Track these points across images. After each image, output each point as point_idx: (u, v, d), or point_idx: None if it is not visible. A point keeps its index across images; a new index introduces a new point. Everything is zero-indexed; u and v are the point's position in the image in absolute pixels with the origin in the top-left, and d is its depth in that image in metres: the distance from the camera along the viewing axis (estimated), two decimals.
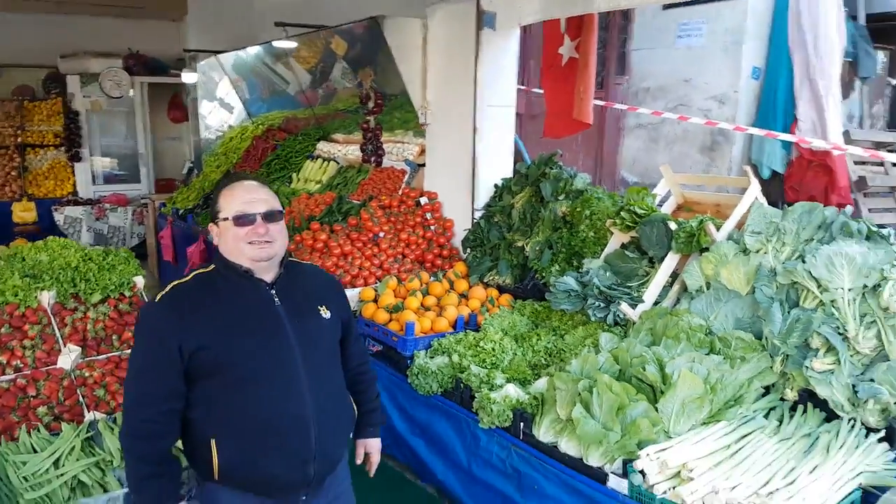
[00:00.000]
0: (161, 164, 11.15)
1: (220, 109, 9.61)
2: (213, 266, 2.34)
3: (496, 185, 5.25)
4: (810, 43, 6.60)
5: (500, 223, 5.07)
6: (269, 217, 2.26)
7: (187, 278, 2.34)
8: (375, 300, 4.59)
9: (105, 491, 2.55)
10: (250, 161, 7.90)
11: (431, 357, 4.15)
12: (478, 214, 5.21)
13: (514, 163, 5.37)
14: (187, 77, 9.08)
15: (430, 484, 4.19)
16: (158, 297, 2.28)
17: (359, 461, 2.75)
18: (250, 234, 2.23)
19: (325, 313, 2.39)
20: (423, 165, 5.70)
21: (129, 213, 9.39)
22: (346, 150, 7.00)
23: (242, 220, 2.23)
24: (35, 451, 2.67)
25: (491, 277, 4.91)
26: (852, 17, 7.44)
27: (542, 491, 3.42)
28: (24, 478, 2.56)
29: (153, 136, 10.97)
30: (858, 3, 7.66)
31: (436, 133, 5.49)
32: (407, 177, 5.79)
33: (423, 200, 5.44)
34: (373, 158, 6.02)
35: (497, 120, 5.15)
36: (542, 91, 5.54)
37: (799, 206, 3.87)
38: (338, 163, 6.88)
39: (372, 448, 2.75)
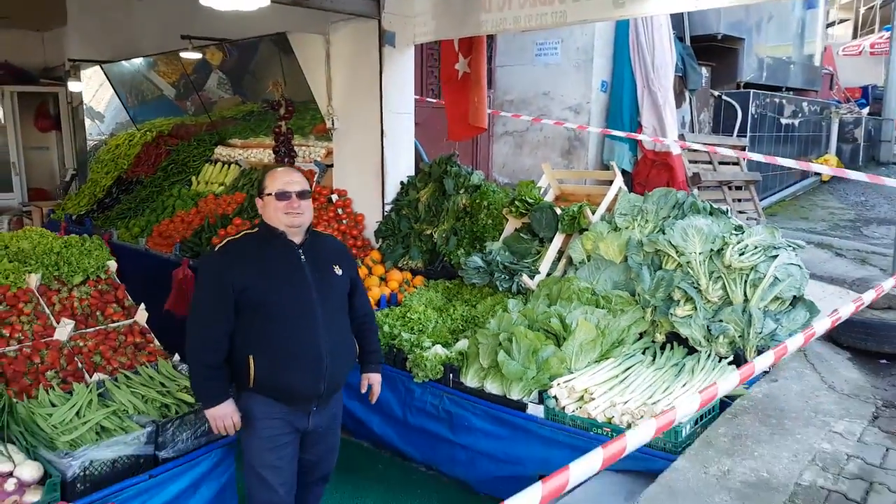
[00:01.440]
0: (30, 173, 10.75)
1: (102, 117, 9.55)
2: (257, 228, 3.03)
3: (402, 182, 5.89)
4: (648, 60, 7.84)
5: (408, 215, 5.71)
6: (301, 195, 2.95)
7: (238, 236, 3.06)
8: None
9: (126, 433, 2.94)
10: (143, 166, 7.99)
11: None
12: (388, 208, 5.83)
13: (416, 163, 6.04)
14: (73, 86, 8.95)
15: (365, 440, 4.72)
16: (217, 248, 3.01)
17: (363, 390, 3.41)
18: (287, 206, 2.91)
19: (338, 271, 3.09)
20: (331, 166, 6.23)
21: (4, 222, 9.08)
22: (248, 153, 7.35)
23: (282, 195, 2.91)
24: (54, 406, 3.00)
25: (404, 262, 5.53)
26: (679, 38, 8.83)
27: (471, 426, 4.10)
28: (54, 426, 2.90)
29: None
30: (685, 26, 9.09)
31: (342, 137, 6.04)
32: (317, 176, 6.28)
33: (335, 198, 5.97)
34: (286, 160, 6.46)
35: (400, 125, 5.80)
36: (432, 101, 6.25)
37: (657, 191, 4.85)
38: (240, 165, 7.22)
39: (374, 381, 3.39)
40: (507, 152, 9.09)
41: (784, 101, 12.00)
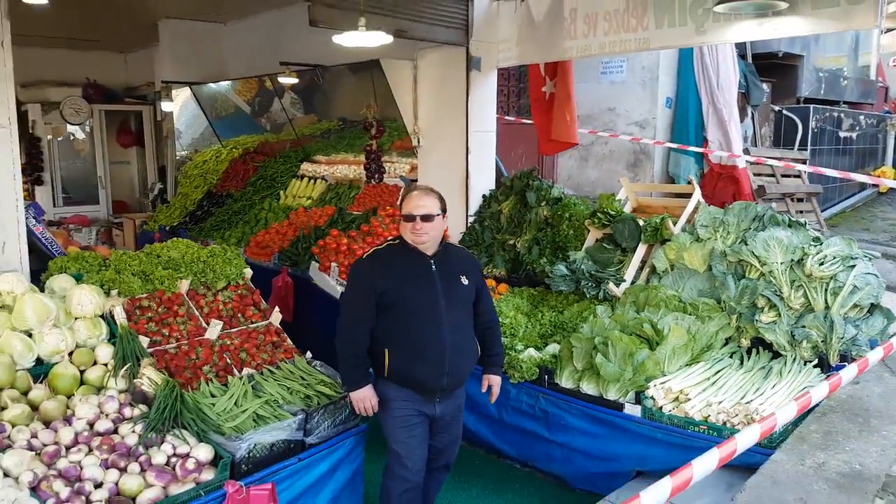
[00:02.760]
0: (112, 187, 11.41)
1: (180, 134, 10.17)
2: (399, 240, 3.46)
3: (484, 196, 6.26)
4: (713, 78, 8.10)
5: (490, 226, 6.07)
6: (425, 218, 3.34)
7: (382, 246, 3.55)
8: None
9: (278, 420, 3.34)
10: (232, 180, 8.53)
11: None
12: (471, 220, 6.19)
13: (497, 177, 6.40)
14: (165, 106, 9.57)
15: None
16: (365, 256, 3.52)
17: (483, 390, 3.79)
18: (412, 227, 3.36)
19: (465, 281, 3.50)
20: (416, 181, 6.63)
21: (93, 232, 9.69)
22: (333, 169, 7.82)
23: (408, 218, 3.37)
24: (214, 396, 3.42)
25: (488, 270, 5.88)
26: (741, 55, 9.07)
27: (567, 424, 4.41)
28: (218, 413, 3.31)
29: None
30: (747, 45, 9.33)
31: (427, 153, 6.43)
32: (402, 190, 6.70)
33: None
34: (376, 175, 6.89)
35: (482, 142, 6.17)
36: (510, 119, 6.62)
37: (737, 204, 5.12)
38: (326, 180, 7.69)
39: (494, 382, 3.76)
40: (572, 165, 9.40)
41: (842, 114, 12.10)
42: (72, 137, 11.27)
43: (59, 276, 3.98)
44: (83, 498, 2.89)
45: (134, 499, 2.98)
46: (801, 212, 9.27)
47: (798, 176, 9.48)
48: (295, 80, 7.43)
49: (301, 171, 8.23)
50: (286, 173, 8.22)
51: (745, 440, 2.63)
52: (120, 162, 11.72)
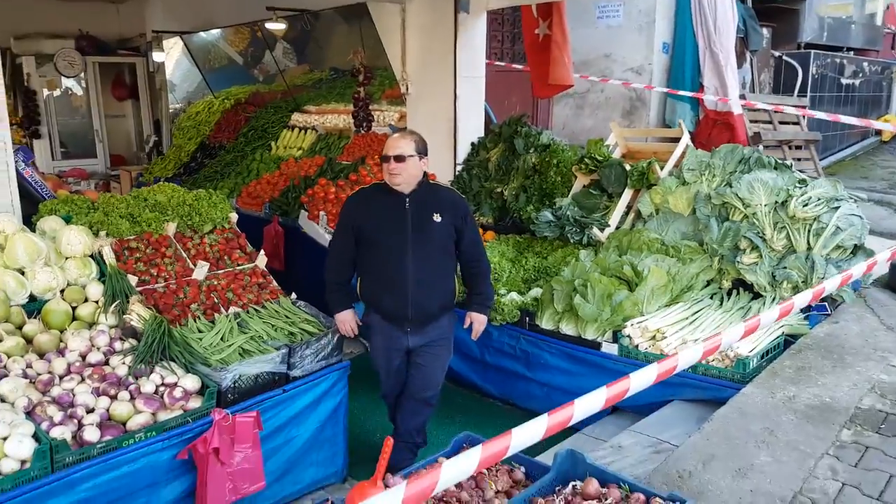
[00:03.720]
0: (108, 140, 11.40)
1: (174, 86, 10.11)
2: (384, 181, 3.67)
3: (473, 143, 6.27)
4: (710, 21, 7.99)
5: (478, 174, 6.10)
6: (398, 158, 3.52)
7: (368, 186, 3.89)
8: None
9: (263, 355, 3.46)
10: (224, 132, 8.54)
11: None
12: (459, 168, 6.21)
13: (486, 124, 6.40)
14: (156, 56, 9.50)
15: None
16: (351, 195, 3.86)
17: (465, 326, 3.92)
18: (387, 168, 3.57)
19: (437, 218, 3.63)
20: (405, 129, 6.60)
21: (91, 185, 9.73)
22: (324, 119, 7.81)
23: (384, 159, 3.59)
24: (201, 332, 3.54)
25: (476, 219, 5.92)
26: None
27: (547, 363, 4.52)
28: (205, 347, 3.43)
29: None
30: None
31: (416, 101, 6.42)
32: None
33: None
34: (364, 124, 6.88)
35: (472, 88, 6.15)
36: (501, 64, 6.57)
37: (724, 147, 5.14)
38: (316, 130, 7.69)
39: (476, 319, 3.89)
40: (567, 114, 9.36)
41: (845, 61, 11.93)
42: (70, 92, 11.21)
43: (49, 217, 4.06)
44: (75, 421, 3.03)
45: (124, 423, 3.12)
46: (799, 159, 9.23)
47: (797, 123, 9.41)
48: (283, 26, 7.35)
49: (292, 121, 8.23)
50: (277, 124, 8.23)
51: (686, 358, 2.68)
52: (116, 115, 11.64)
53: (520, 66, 8.03)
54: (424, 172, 3.69)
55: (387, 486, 2.56)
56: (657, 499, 2.41)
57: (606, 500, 2.43)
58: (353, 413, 4.08)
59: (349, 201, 3.83)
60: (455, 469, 1.84)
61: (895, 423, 3.20)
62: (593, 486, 2.49)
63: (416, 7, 6.19)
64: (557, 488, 2.57)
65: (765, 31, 9.63)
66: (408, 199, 3.61)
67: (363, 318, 3.81)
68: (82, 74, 10.42)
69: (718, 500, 2.67)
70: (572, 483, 2.55)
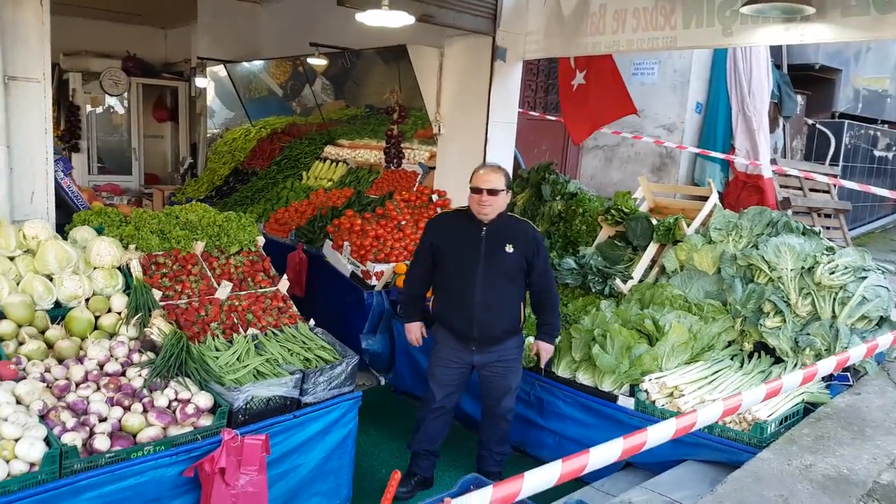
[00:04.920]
0: (144, 159, 11.67)
1: (213, 112, 10.38)
2: (467, 207, 3.92)
3: None
4: (745, 85, 8.05)
5: None
6: (491, 192, 3.76)
7: (450, 210, 4.46)
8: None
9: (277, 378, 3.46)
10: (258, 159, 8.71)
11: None
12: None
13: (514, 170, 6.45)
14: (199, 82, 9.78)
15: (456, 419, 5.11)
16: (433, 217, 4.37)
17: (532, 353, 4.22)
18: (478, 199, 3.79)
19: (510, 249, 3.84)
20: (434, 169, 6.71)
21: (124, 200, 9.94)
22: (355, 153, 7.96)
23: (475, 190, 3.80)
24: (218, 350, 3.56)
25: None
26: (777, 65, 8.99)
27: (561, 412, 4.46)
28: (220, 366, 3.44)
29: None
30: (783, 54, 9.24)
31: (447, 142, 6.51)
32: (420, 177, 6.79)
33: (435, 197, 6.44)
34: (394, 160, 6.99)
35: (503, 133, 6.22)
36: (535, 114, 6.67)
37: (752, 208, 5.13)
38: (347, 164, 7.83)
39: (542, 348, 4.12)
40: (596, 165, 9.41)
41: (879, 133, 11.90)
42: (111, 110, 11.53)
43: (81, 227, 4.14)
44: (87, 429, 3.04)
45: (135, 435, 3.13)
46: (828, 228, 9.16)
47: (827, 192, 9.37)
48: (324, 63, 7.54)
49: (324, 153, 8.39)
50: (310, 155, 8.39)
51: (705, 416, 2.65)
52: (154, 136, 11.95)
53: (552, 117, 8.13)
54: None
55: None
56: None
57: None
58: (359, 445, 4.04)
59: (431, 222, 4.19)
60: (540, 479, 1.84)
61: None
62: None
63: (454, 52, 6.32)
64: None
65: (799, 98, 9.67)
66: (485, 228, 3.84)
67: (433, 331, 4.11)
68: (126, 94, 10.73)
69: None
70: None
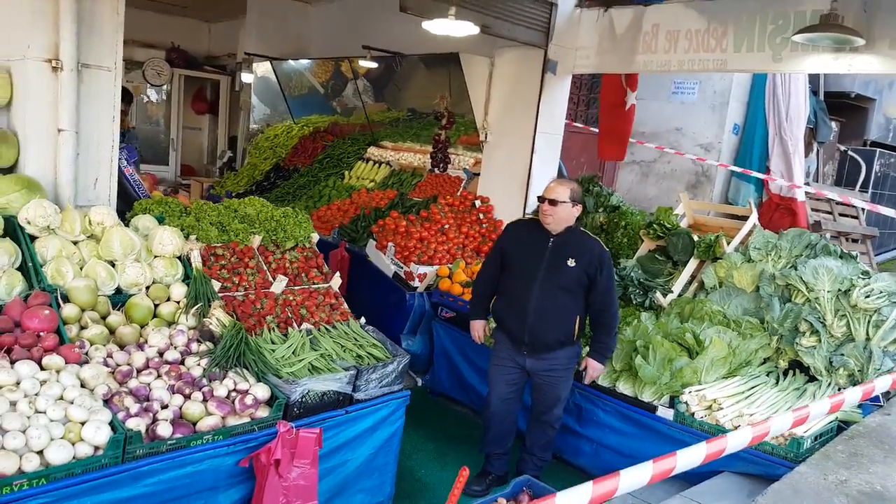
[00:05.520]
0: (182, 150, 11.87)
1: (253, 108, 10.57)
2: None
3: None
4: (783, 110, 8.13)
5: None
6: (551, 202, 3.94)
7: (525, 218, 4.71)
8: (450, 277, 5.64)
9: (331, 373, 3.58)
10: (301, 156, 8.89)
11: None
12: (528, 217, 6.36)
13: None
14: (245, 77, 9.97)
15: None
16: (512, 221, 4.47)
17: (580, 368, 4.30)
18: (542, 208, 3.99)
19: (571, 263, 3.97)
20: (478, 175, 6.83)
21: (160, 191, 10.12)
22: (399, 156, 8.10)
23: (540, 199, 4.03)
24: (274, 343, 3.69)
25: None
26: (814, 92, 9.06)
27: (599, 420, 4.56)
28: (277, 359, 3.56)
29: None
30: (819, 80, 9.31)
31: (493, 149, 6.63)
32: (464, 182, 6.91)
33: (478, 203, 6.56)
34: (441, 165, 7.13)
35: (549, 144, 6.34)
36: (579, 126, 6.78)
37: (792, 230, 5.20)
38: (390, 165, 7.98)
39: (590, 365, 4.23)
40: (632, 179, 9.51)
41: None
42: (145, 100, 11.72)
43: (143, 215, 4.24)
44: (150, 415, 3.10)
45: (195, 423, 3.20)
46: (855, 253, 9.18)
47: (856, 217, 9.39)
48: (374, 65, 7.68)
49: (367, 154, 8.53)
50: (353, 155, 8.54)
51: (734, 442, 2.73)
52: (192, 128, 12.11)
53: (596, 129, 8.24)
54: (578, 218, 4.09)
55: None
56: None
57: None
58: (404, 445, 4.16)
59: (507, 226, 4.43)
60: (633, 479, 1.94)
61: None
62: None
63: (504, 62, 6.45)
64: None
65: (834, 124, 9.72)
66: (552, 240, 4.01)
67: (493, 331, 4.32)
68: (167, 85, 10.92)
69: None
70: None
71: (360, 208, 6.82)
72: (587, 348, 4.43)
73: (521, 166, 6.28)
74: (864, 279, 4.66)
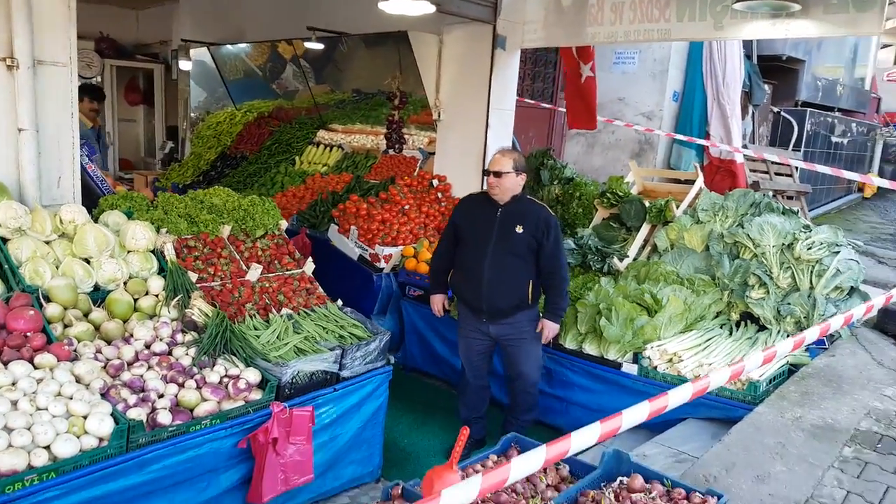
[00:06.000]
0: (118, 144, 11.56)
1: (196, 95, 10.38)
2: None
3: None
4: (720, 75, 8.50)
5: None
6: (496, 174, 4.10)
7: (478, 192, 4.61)
8: (415, 256, 5.78)
9: (316, 354, 3.70)
10: (248, 143, 8.81)
11: None
12: None
13: None
14: (183, 65, 9.77)
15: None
16: (463, 197, 4.59)
17: (537, 330, 4.40)
18: (488, 181, 4.17)
19: (519, 230, 4.15)
20: (433, 154, 6.96)
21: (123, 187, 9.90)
22: (351, 138, 8.13)
23: (485, 173, 4.38)
24: (257, 329, 3.78)
25: None
26: (748, 56, 9.46)
27: (568, 380, 4.81)
28: (262, 344, 3.66)
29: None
30: (753, 45, 9.72)
31: (446, 128, 6.76)
32: (420, 162, 7.03)
33: (435, 182, 6.70)
34: (396, 145, 7.21)
35: (502, 120, 6.50)
36: (530, 102, 6.97)
37: (737, 191, 5.53)
38: (342, 149, 8.00)
39: (546, 326, 4.37)
40: (578, 151, 9.78)
41: (835, 120, 12.54)
42: None
43: (112, 211, 4.22)
44: (149, 405, 3.19)
45: (191, 410, 3.30)
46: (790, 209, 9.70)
47: (790, 175, 9.91)
48: (317, 46, 7.64)
49: (317, 138, 8.54)
50: (302, 139, 8.53)
51: (717, 379, 2.95)
52: (127, 120, 11.79)
53: (547, 105, 8.46)
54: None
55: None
56: (696, 493, 2.70)
57: (651, 493, 2.72)
58: (388, 420, 4.32)
59: (459, 203, 4.62)
60: (524, 464, 2.11)
61: (889, 443, 3.55)
62: (639, 481, 2.78)
63: (453, 39, 6.55)
64: (604, 484, 2.85)
65: (767, 87, 10.18)
66: (500, 209, 4.19)
67: (457, 304, 4.53)
68: (98, 77, 10.59)
69: (742, 502, 2.97)
70: (619, 478, 2.83)
71: (317, 193, 6.87)
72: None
73: (477, 143, 6.43)
74: (805, 233, 5.01)
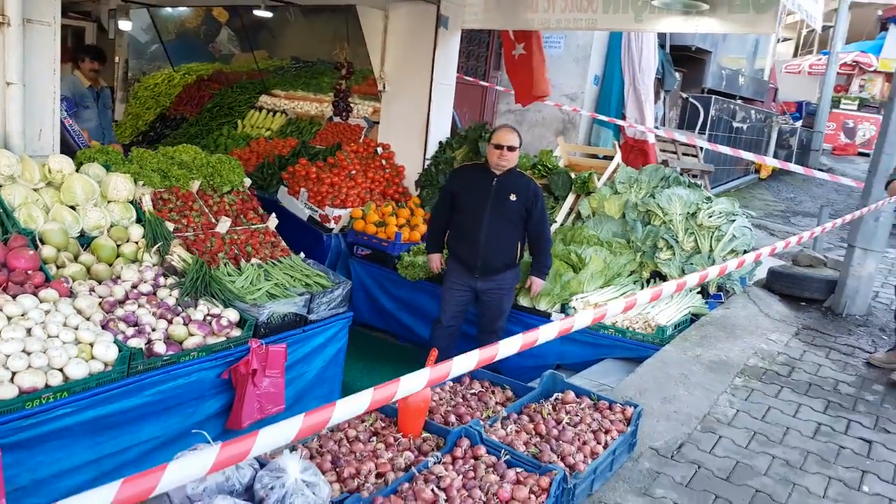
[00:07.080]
0: None
1: (138, 55, 10.36)
2: (483, 160, 4.86)
3: (440, 142, 7.13)
4: (636, 62, 9.27)
5: (444, 170, 6.96)
6: (510, 149, 4.62)
7: (470, 163, 5.36)
8: (363, 218, 6.26)
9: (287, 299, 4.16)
10: (187, 105, 8.94)
11: (414, 255, 5.96)
12: (427, 163, 7.06)
13: (452, 128, 7.28)
14: (123, 24, 9.70)
15: (409, 342, 6.00)
16: (456, 168, 4.94)
17: (526, 286, 5.08)
18: (498, 154, 4.63)
19: (513, 198, 4.67)
20: (377, 123, 7.39)
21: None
22: (294, 104, 8.43)
23: (497, 146, 4.63)
24: (231, 276, 4.18)
25: None
26: (661, 45, 10.30)
27: (507, 329, 5.42)
28: (238, 288, 4.07)
29: None
30: (666, 36, 10.58)
31: (391, 99, 7.20)
32: (364, 130, 7.45)
33: (380, 150, 7.15)
34: (343, 113, 7.57)
35: (443, 94, 7.01)
36: (469, 79, 7.49)
37: (650, 166, 6.29)
38: (286, 114, 8.29)
39: (533, 282, 5.03)
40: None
41: (736, 107, 13.69)
42: None
43: (92, 164, 4.49)
44: (145, 336, 3.59)
45: (181, 343, 3.71)
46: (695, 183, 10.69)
47: (696, 156, 10.88)
48: (269, 15, 7.86)
49: (260, 102, 8.77)
50: (244, 104, 8.73)
51: (613, 310, 3.49)
52: None
53: (484, 82, 9.00)
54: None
55: None
56: (617, 405, 3.37)
57: (581, 405, 3.37)
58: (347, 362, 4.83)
59: (453, 173, 5.15)
60: (463, 364, 2.54)
61: (772, 375, 4.35)
62: (571, 395, 3.42)
63: (398, 16, 6.97)
64: (542, 399, 3.48)
65: (678, 74, 11.09)
66: (496, 180, 4.67)
67: (447, 260, 5.01)
68: None
69: (653, 416, 3.66)
70: (555, 394, 3.47)
71: (263, 157, 7.19)
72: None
73: (420, 115, 6.91)
74: (707, 203, 5.81)
